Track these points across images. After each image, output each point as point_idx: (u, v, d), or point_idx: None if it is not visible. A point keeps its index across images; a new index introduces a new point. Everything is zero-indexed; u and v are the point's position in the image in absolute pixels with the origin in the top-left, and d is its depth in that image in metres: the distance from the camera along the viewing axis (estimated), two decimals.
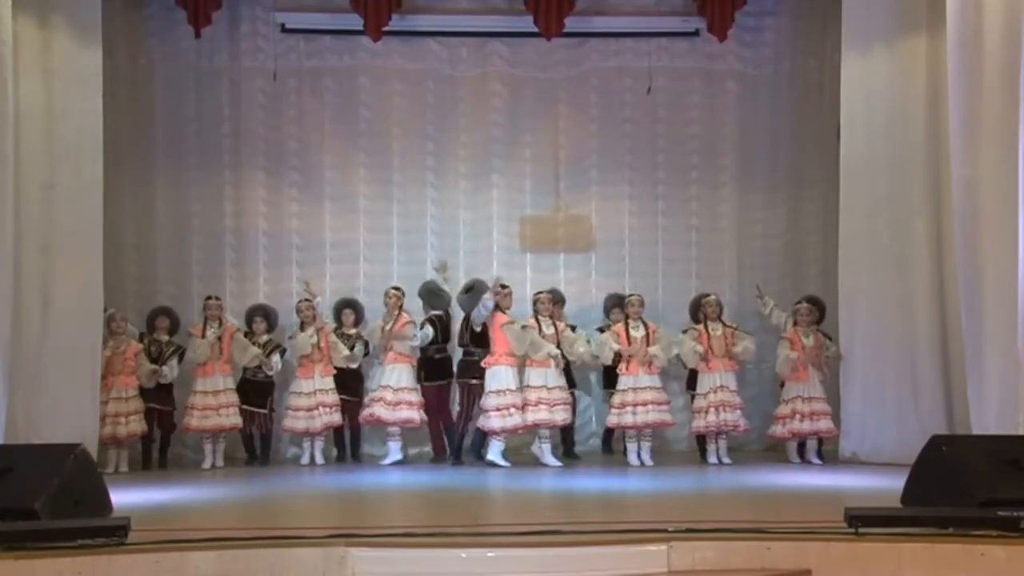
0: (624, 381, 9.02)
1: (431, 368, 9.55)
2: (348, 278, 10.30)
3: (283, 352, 9.49)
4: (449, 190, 10.43)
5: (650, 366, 9.02)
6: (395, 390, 9.15)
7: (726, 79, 10.50)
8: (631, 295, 9.42)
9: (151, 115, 10.21)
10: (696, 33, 10.30)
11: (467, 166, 10.43)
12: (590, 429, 10.10)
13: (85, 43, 8.57)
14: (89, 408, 8.46)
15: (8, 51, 7.80)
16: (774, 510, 6.30)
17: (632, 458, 9.00)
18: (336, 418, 9.30)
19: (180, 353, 9.30)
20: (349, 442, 9.66)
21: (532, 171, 10.46)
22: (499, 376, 8.95)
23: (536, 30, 9.72)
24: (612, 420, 9.11)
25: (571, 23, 9.75)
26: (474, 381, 9.23)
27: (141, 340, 9.26)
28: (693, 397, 9.31)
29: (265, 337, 9.46)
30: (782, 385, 9.31)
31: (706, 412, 9.07)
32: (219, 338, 9.30)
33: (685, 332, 9.42)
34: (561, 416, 8.96)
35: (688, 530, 5.18)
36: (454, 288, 9.67)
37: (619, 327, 9.20)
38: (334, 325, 9.60)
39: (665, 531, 5.14)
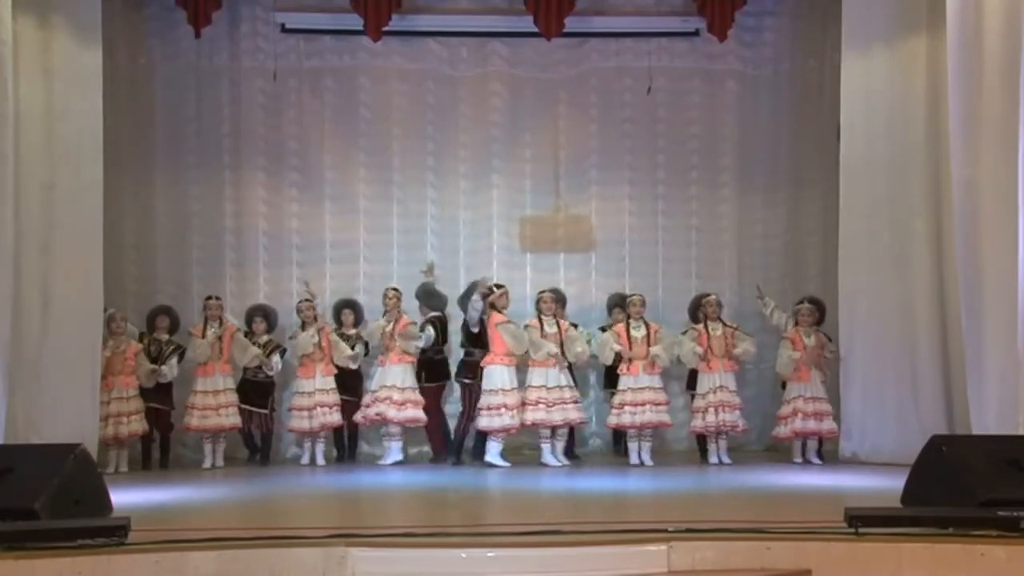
0: (624, 381, 9.03)
1: (430, 369, 9.56)
2: (348, 278, 10.30)
3: (283, 352, 9.50)
4: (449, 190, 10.43)
5: (653, 366, 9.02)
6: (401, 389, 9.15)
7: (726, 79, 10.50)
8: (632, 295, 9.42)
9: (151, 115, 10.21)
10: (696, 33, 10.29)
11: (467, 166, 10.43)
12: (590, 429, 10.09)
13: (85, 43, 8.56)
14: (89, 408, 8.46)
15: (8, 51, 7.80)
16: (774, 510, 6.30)
17: (632, 458, 9.00)
18: (336, 418, 9.29)
19: (180, 352, 9.30)
20: (347, 442, 9.65)
21: (532, 171, 10.46)
22: (494, 376, 8.97)
23: (536, 30, 9.71)
24: (612, 420, 9.12)
25: (571, 23, 9.74)
26: (469, 381, 9.26)
27: (141, 340, 9.26)
28: (693, 397, 9.31)
29: (265, 337, 9.46)
30: (783, 386, 9.31)
31: (705, 412, 9.07)
32: (219, 338, 9.31)
33: (685, 332, 9.42)
34: (560, 415, 8.93)
35: (688, 530, 5.18)
36: (451, 289, 9.69)
37: (620, 327, 9.20)
38: (334, 326, 9.59)
39: (665, 531, 5.14)
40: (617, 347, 9.04)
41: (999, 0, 7.58)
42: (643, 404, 8.92)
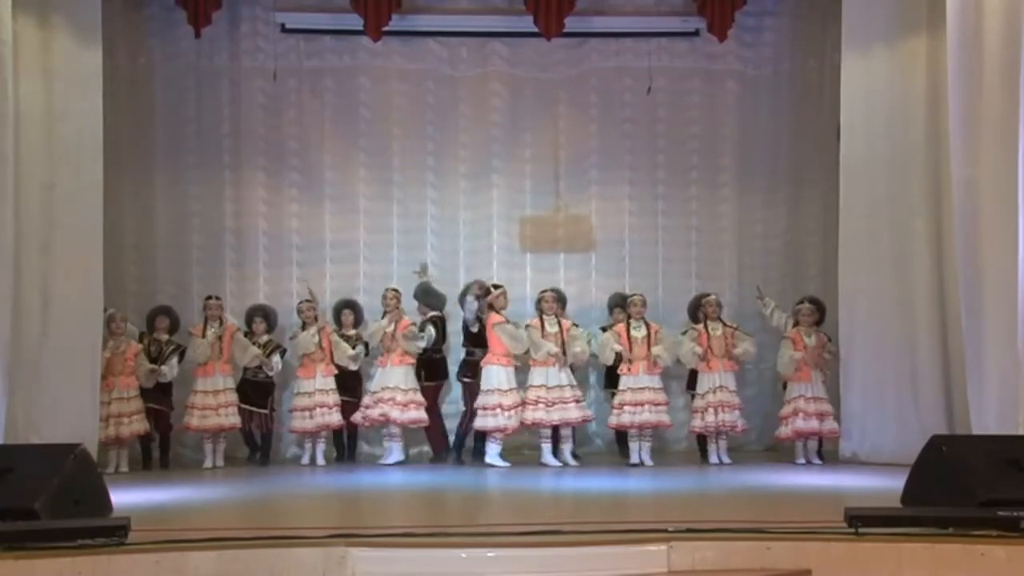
0: (624, 381, 9.03)
1: (430, 368, 9.58)
2: (348, 278, 10.30)
3: (283, 352, 9.50)
4: (449, 190, 10.43)
5: (655, 366, 9.01)
6: (404, 391, 9.16)
7: (726, 79, 10.50)
8: (633, 295, 9.41)
9: (151, 115, 10.21)
10: (696, 33, 10.29)
11: (467, 166, 10.43)
12: (591, 429, 10.08)
13: (85, 43, 8.56)
14: (89, 408, 8.46)
15: (8, 51, 7.79)
16: (774, 510, 6.30)
17: (633, 458, 9.00)
18: (337, 418, 9.29)
19: (180, 353, 9.30)
20: (347, 442, 9.65)
21: (532, 171, 10.46)
22: (491, 376, 8.99)
23: (536, 30, 9.71)
24: (612, 420, 9.12)
25: (571, 23, 9.74)
26: (469, 380, 9.29)
27: (141, 340, 9.26)
28: (693, 397, 9.31)
29: (265, 337, 9.46)
30: (784, 386, 9.30)
31: (704, 412, 9.07)
32: (219, 338, 9.31)
33: (685, 333, 9.42)
34: (558, 415, 8.92)
35: (688, 530, 5.18)
36: (451, 289, 9.70)
37: (620, 327, 9.20)
38: (334, 326, 9.59)
39: (665, 531, 5.13)
40: (618, 347, 9.03)
41: (999, 0, 7.58)
42: (643, 404, 8.92)
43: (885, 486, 6.62)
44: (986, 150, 7.61)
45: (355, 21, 9.71)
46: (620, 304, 9.63)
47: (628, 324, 9.17)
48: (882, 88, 8.93)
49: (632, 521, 5.82)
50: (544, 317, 9.13)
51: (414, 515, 6.78)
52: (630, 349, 9.03)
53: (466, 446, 9.52)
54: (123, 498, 6.43)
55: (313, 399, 9.24)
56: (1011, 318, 7.40)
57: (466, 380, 9.40)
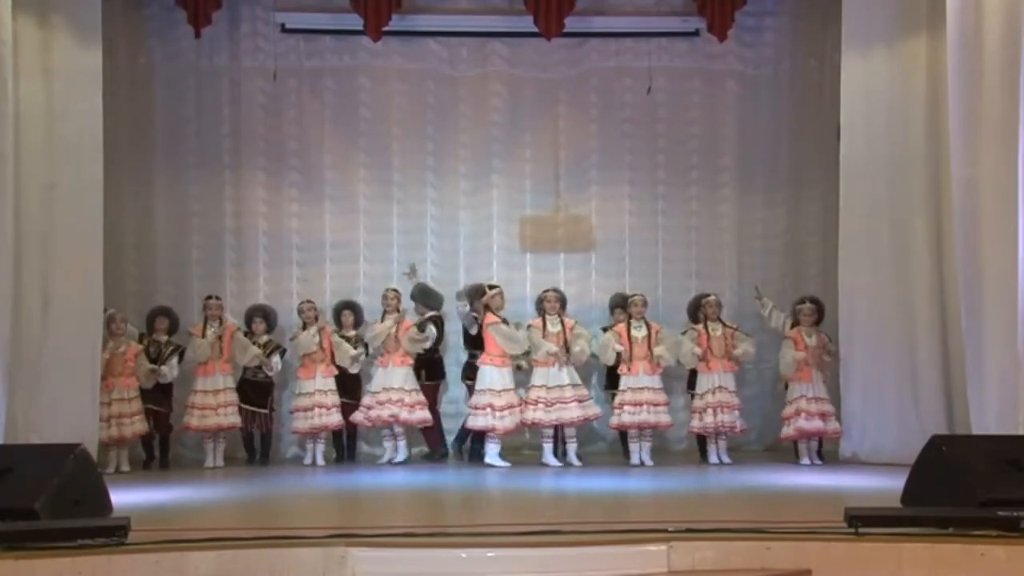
0: (624, 381, 9.03)
1: (429, 367, 9.61)
2: (348, 278, 10.30)
3: (283, 352, 9.50)
4: (449, 190, 10.43)
5: (657, 366, 9.01)
6: (408, 391, 9.18)
7: (726, 79, 10.50)
8: (634, 295, 9.41)
9: (151, 115, 10.21)
10: (696, 33, 10.29)
11: (467, 166, 10.43)
12: (591, 429, 10.07)
13: (85, 43, 8.56)
14: (89, 408, 8.46)
15: (8, 51, 7.80)
16: (774, 510, 6.30)
17: (633, 458, 8.99)
18: (337, 418, 9.28)
19: (180, 353, 9.29)
20: (346, 443, 9.66)
21: (532, 171, 10.46)
22: (484, 376, 9.03)
23: (536, 30, 9.71)
24: (613, 420, 9.11)
25: (571, 23, 9.74)
26: (470, 383, 9.29)
27: (140, 340, 9.26)
28: (693, 397, 9.30)
29: (265, 338, 9.46)
30: (785, 387, 9.29)
31: (703, 413, 9.07)
32: (219, 337, 9.31)
33: (685, 333, 9.42)
34: (556, 415, 8.90)
35: (688, 530, 5.18)
36: (451, 289, 9.72)
37: (621, 327, 9.20)
38: (334, 327, 9.59)
39: (665, 531, 5.14)
40: (619, 348, 9.02)
41: (999, 0, 7.58)
42: (642, 404, 8.91)
43: (885, 486, 6.62)
44: (986, 150, 7.61)
45: (355, 21, 9.71)
46: (621, 304, 9.63)
47: (629, 324, 9.16)
48: (882, 88, 8.93)
49: (632, 521, 5.82)
50: (547, 317, 9.13)
51: (414, 515, 6.78)
52: (630, 349, 9.02)
53: (465, 446, 9.53)
54: (123, 498, 6.43)
55: (313, 399, 9.24)
56: (1011, 318, 7.40)
57: (468, 383, 9.39)
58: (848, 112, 9.10)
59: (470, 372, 9.38)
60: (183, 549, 4.94)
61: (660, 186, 10.51)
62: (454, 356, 10.00)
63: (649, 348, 9.02)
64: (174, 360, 9.23)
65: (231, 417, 9.23)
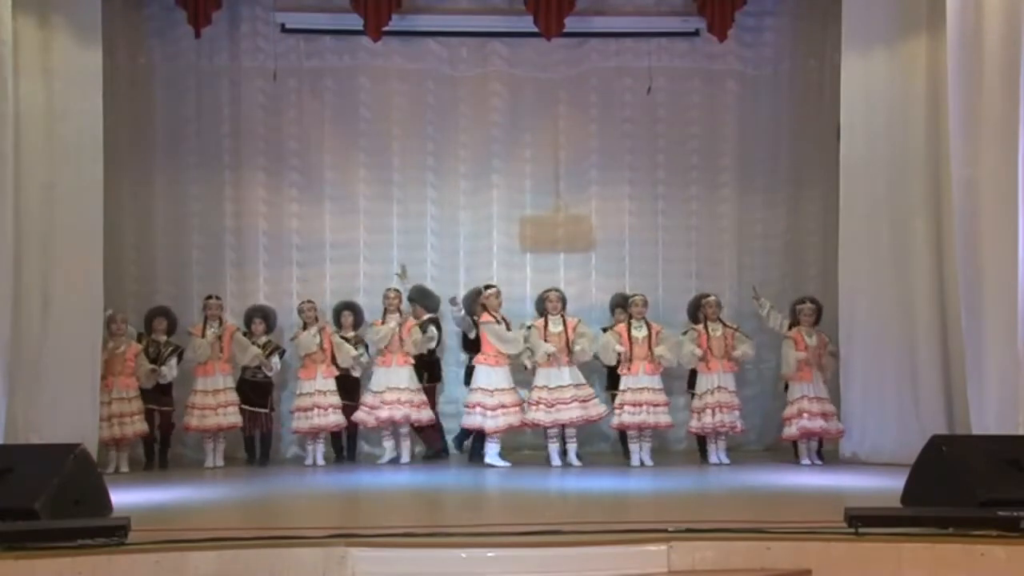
0: (625, 381, 9.02)
1: (432, 369, 9.65)
2: (348, 278, 10.30)
3: (282, 353, 9.50)
4: (449, 190, 10.43)
5: (657, 366, 9.01)
6: (413, 391, 9.21)
7: (726, 79, 10.50)
8: (635, 295, 9.39)
9: (151, 115, 10.21)
10: (696, 33, 10.29)
11: (467, 166, 10.43)
12: (592, 429, 10.07)
13: (85, 43, 8.56)
14: (89, 408, 8.46)
15: (8, 51, 7.80)
16: (774, 510, 6.30)
17: (633, 459, 8.99)
18: (338, 419, 9.27)
19: (179, 353, 9.29)
20: (346, 443, 9.66)
21: (532, 171, 10.46)
22: (478, 375, 9.07)
23: (536, 30, 9.71)
24: (614, 420, 9.11)
25: (571, 23, 9.74)
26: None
27: (139, 341, 9.25)
28: (693, 397, 9.30)
29: (264, 338, 9.46)
30: (785, 387, 9.28)
31: (702, 413, 9.06)
32: (219, 338, 9.31)
33: (685, 333, 9.42)
34: (553, 416, 8.89)
35: (688, 530, 5.18)
36: (451, 289, 9.74)
37: (621, 327, 9.19)
38: (334, 328, 9.58)
39: (665, 531, 5.14)
40: (621, 348, 9.01)
41: (999, 0, 7.58)
42: (642, 404, 8.91)
43: (885, 486, 6.62)
44: (986, 150, 7.61)
45: (355, 21, 9.71)
46: (622, 304, 9.62)
47: (629, 324, 9.16)
48: (882, 88, 8.93)
49: (632, 521, 5.83)
50: (549, 317, 9.12)
51: (414, 515, 6.77)
52: (631, 349, 9.02)
53: (466, 445, 9.54)
54: (123, 498, 6.43)
55: (313, 400, 9.24)
56: (1011, 318, 7.40)
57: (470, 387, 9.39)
58: (848, 112, 9.10)
59: (469, 375, 9.38)
60: (183, 549, 4.94)
61: (660, 186, 10.51)
62: (454, 356, 10.01)
63: (649, 348, 9.02)
64: (173, 361, 9.23)
65: (231, 417, 9.22)
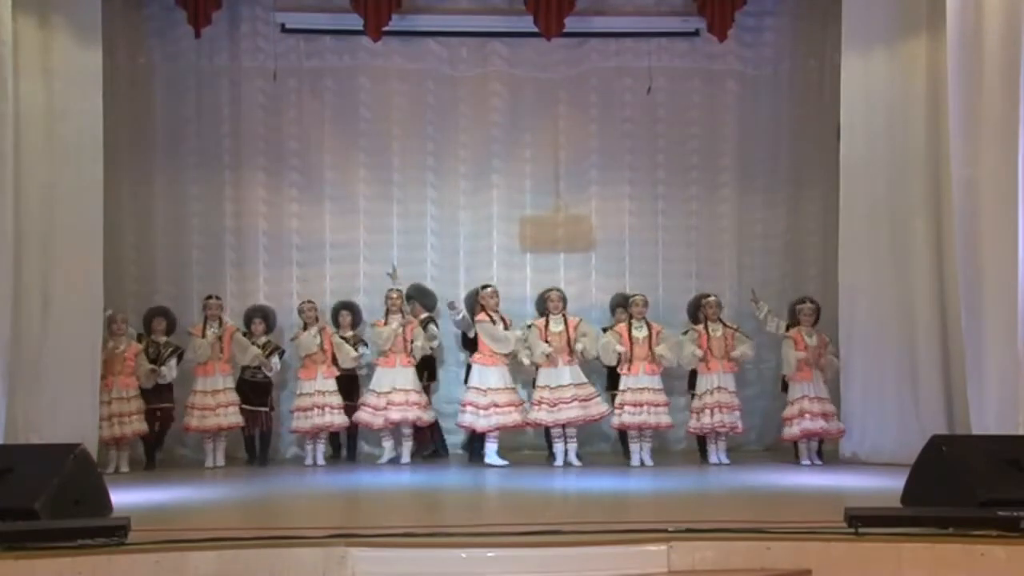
0: (625, 381, 9.01)
1: (431, 368, 9.66)
2: (348, 278, 10.30)
3: (282, 353, 9.50)
4: (449, 190, 10.43)
5: (658, 365, 9.00)
6: (417, 391, 9.23)
7: (726, 79, 10.50)
8: (635, 295, 9.38)
9: (151, 115, 10.21)
10: (696, 33, 10.29)
11: (467, 166, 10.43)
12: (592, 429, 10.06)
13: (85, 43, 8.57)
14: (89, 408, 8.47)
15: (8, 51, 7.80)
16: (774, 510, 6.31)
17: (633, 459, 8.99)
18: (338, 418, 9.26)
19: (179, 354, 9.29)
20: (346, 443, 9.66)
21: (532, 171, 10.46)
22: (472, 374, 9.11)
23: (536, 30, 9.71)
24: (614, 421, 9.10)
25: (571, 23, 9.74)
26: None
27: (139, 341, 9.25)
28: (693, 397, 9.30)
29: (264, 338, 9.45)
30: (784, 388, 9.28)
31: (701, 413, 9.05)
32: (219, 338, 9.31)
33: (685, 333, 9.41)
34: (554, 416, 8.89)
35: (688, 530, 5.18)
36: (451, 289, 9.75)
37: (622, 327, 9.19)
38: (332, 329, 9.58)
39: (665, 531, 5.14)
40: (621, 348, 9.00)
41: (999, 0, 7.58)
42: (642, 405, 8.91)
43: (885, 486, 6.62)
44: (986, 150, 7.62)
45: (355, 21, 9.71)
46: (622, 304, 9.62)
47: (630, 324, 9.15)
48: (882, 88, 8.93)
49: (632, 521, 5.83)
50: (550, 316, 9.12)
51: (414, 515, 6.77)
52: (631, 349, 9.01)
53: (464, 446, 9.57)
54: (123, 498, 6.44)
55: (313, 400, 9.23)
56: (1011, 318, 7.40)
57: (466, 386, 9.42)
58: (848, 112, 9.10)
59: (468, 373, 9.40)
60: (183, 549, 4.95)
61: (660, 186, 10.51)
62: (453, 356, 10.02)
63: (650, 348, 9.01)
64: (173, 361, 9.22)
65: (231, 417, 9.22)
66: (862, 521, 5.08)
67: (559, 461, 8.94)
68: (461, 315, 9.20)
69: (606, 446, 10.01)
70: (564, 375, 8.98)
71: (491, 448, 9.01)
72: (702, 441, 9.31)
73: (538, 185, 10.46)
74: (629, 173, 10.49)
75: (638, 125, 10.50)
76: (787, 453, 9.34)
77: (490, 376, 9.02)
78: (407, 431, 9.26)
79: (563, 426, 8.97)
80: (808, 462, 8.96)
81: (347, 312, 9.65)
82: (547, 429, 9.11)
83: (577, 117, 10.50)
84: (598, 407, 9.03)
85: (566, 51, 10.35)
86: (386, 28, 9.72)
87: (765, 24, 10.47)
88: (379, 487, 8.04)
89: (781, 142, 10.48)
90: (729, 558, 4.99)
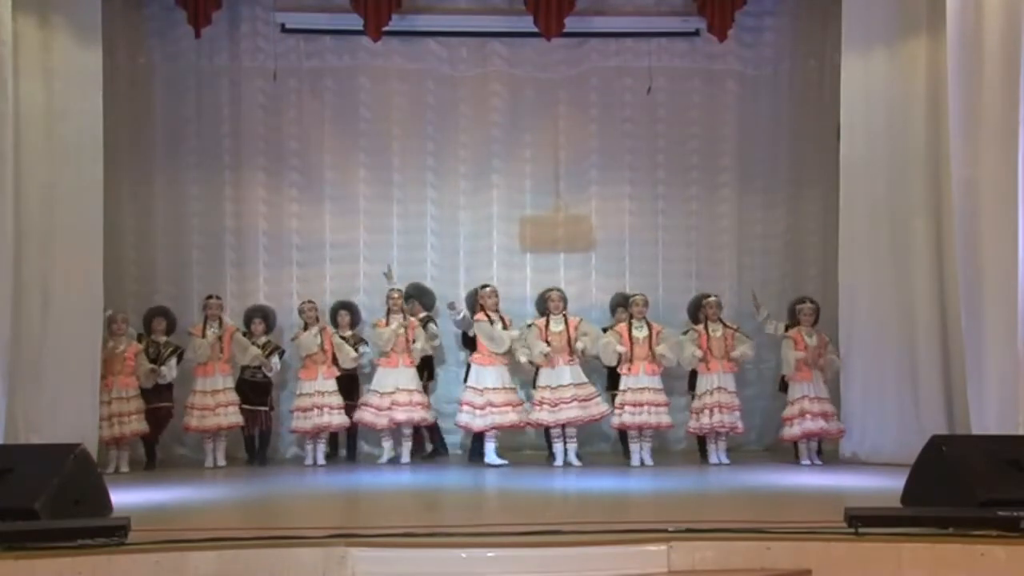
0: (625, 381, 9.01)
1: (430, 367, 9.67)
2: (348, 278, 10.30)
3: (281, 353, 9.50)
4: (449, 190, 10.43)
5: (659, 365, 9.00)
6: (420, 392, 9.25)
7: (726, 79, 10.50)
8: (635, 295, 9.37)
9: (151, 115, 10.21)
10: (696, 33, 10.29)
11: (467, 166, 10.43)
12: (592, 429, 10.06)
13: (85, 43, 8.57)
14: (89, 408, 8.47)
15: (8, 51, 7.80)
16: (774, 510, 6.31)
17: (633, 459, 8.99)
18: (339, 419, 9.26)
19: (179, 354, 9.29)
20: (346, 443, 9.66)
21: (532, 171, 10.46)
22: (471, 374, 9.12)
23: (536, 30, 9.71)
24: (614, 420, 9.10)
25: (571, 23, 9.74)
26: None
27: (139, 341, 9.25)
28: (693, 397, 9.29)
29: (264, 338, 9.45)
30: (784, 388, 9.28)
31: (701, 413, 9.05)
32: (219, 338, 9.31)
33: (685, 333, 9.41)
34: (555, 416, 8.88)
35: (688, 530, 5.18)
36: (451, 289, 9.75)
37: (622, 327, 9.19)
38: (332, 329, 9.57)
39: (665, 531, 5.14)
40: (622, 348, 8.99)
41: (999, 0, 7.58)
42: (643, 405, 8.90)
43: (885, 486, 6.62)
44: (986, 150, 7.62)
45: (355, 21, 9.71)
46: (623, 304, 9.61)
47: (630, 324, 9.15)
48: (882, 88, 8.93)
49: (632, 521, 5.83)
50: (551, 316, 9.12)
51: (414, 515, 6.77)
52: (631, 349, 9.01)
53: (464, 446, 9.56)
54: (123, 498, 6.44)
55: (313, 400, 9.23)
56: (1011, 318, 7.41)
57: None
58: (848, 112, 9.10)
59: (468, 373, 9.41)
60: (183, 549, 4.95)
61: (660, 186, 10.51)
62: (452, 356, 10.03)
63: (650, 348, 9.01)
64: (173, 361, 9.22)
65: (231, 417, 9.21)
66: (862, 521, 5.08)
67: (559, 461, 8.94)
68: (462, 315, 9.20)
69: (606, 446, 10.01)
70: (564, 375, 8.97)
71: (491, 447, 9.01)
72: (702, 441, 9.31)
73: (538, 185, 10.46)
74: (629, 173, 10.49)
75: (638, 125, 10.50)
76: (787, 453, 9.34)
77: (487, 376, 9.02)
78: (407, 431, 9.26)
79: (563, 426, 8.96)
80: (808, 462, 8.96)
81: (345, 312, 9.65)
82: (547, 429, 9.11)
83: (577, 117, 10.50)
84: (598, 407, 9.02)
85: (566, 51, 10.35)
86: (386, 28, 9.72)
87: (765, 24, 10.47)
88: (379, 487, 8.04)
89: (781, 142, 10.48)
90: (729, 558, 4.99)
